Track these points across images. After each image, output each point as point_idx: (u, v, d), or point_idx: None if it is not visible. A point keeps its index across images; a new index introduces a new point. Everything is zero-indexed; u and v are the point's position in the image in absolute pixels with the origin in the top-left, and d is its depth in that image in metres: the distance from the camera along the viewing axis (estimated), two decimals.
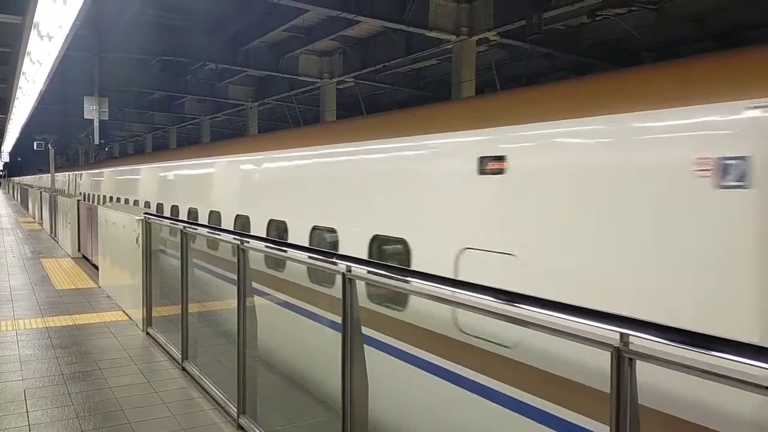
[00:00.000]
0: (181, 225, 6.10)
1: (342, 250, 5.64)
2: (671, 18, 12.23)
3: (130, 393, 5.24)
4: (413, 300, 4.63)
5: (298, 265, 5.81)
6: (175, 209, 11.17)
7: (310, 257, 4.10)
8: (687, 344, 1.78)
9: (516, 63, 16.04)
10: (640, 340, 1.90)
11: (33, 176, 55.62)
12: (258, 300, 4.83)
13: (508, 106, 4.59)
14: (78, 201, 15.28)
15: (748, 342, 1.69)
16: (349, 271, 3.27)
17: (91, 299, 9.24)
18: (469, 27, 12.17)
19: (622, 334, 1.91)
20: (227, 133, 31.55)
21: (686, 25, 12.51)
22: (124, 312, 8.27)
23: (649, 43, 13.28)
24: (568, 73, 15.33)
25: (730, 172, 2.81)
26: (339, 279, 3.33)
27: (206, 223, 8.78)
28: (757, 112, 2.78)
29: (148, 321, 7.20)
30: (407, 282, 3.12)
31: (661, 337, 1.84)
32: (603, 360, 1.94)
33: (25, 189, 39.71)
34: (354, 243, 5.49)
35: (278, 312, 6.74)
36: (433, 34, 12.14)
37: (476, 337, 4.01)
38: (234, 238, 4.75)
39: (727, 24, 11.97)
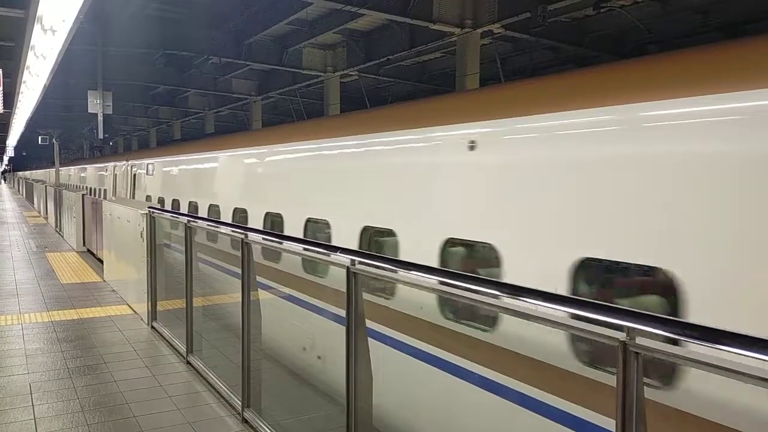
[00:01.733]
0: (184, 219, 6.10)
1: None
2: (676, 9, 12.14)
3: (135, 387, 5.26)
4: None
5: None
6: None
7: (308, 249, 4.09)
8: (694, 338, 1.77)
9: (520, 55, 15.96)
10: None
11: (43, 170, 53.09)
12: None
13: None
14: (83, 195, 15.27)
15: (755, 335, 1.67)
16: (354, 264, 3.26)
17: (96, 293, 9.27)
18: (473, 19, 12.10)
19: (628, 329, 1.89)
20: (232, 127, 31.52)
21: (692, 16, 12.41)
22: (129, 306, 8.29)
23: (654, 35, 13.19)
24: (573, 66, 15.25)
25: None
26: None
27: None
28: None
29: (153, 315, 7.22)
30: (411, 275, 3.10)
31: (668, 331, 1.82)
32: None
33: (30, 184, 39.71)
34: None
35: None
36: (437, 26, 12.07)
37: None
38: (237, 232, 4.74)
39: (733, 15, 11.88)
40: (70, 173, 31.59)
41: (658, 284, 3.21)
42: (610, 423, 3.20)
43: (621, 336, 1.90)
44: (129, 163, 16.77)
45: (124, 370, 5.71)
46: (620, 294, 3.58)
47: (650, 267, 3.21)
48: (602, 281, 3.64)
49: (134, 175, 15.92)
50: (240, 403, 4.56)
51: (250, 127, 23.36)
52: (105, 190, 19.58)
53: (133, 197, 15.41)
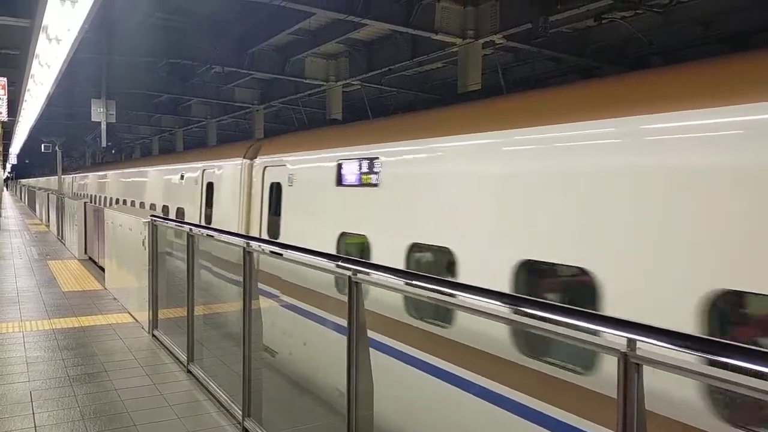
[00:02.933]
0: (186, 227, 6.12)
1: None
2: (678, 21, 12.18)
3: (135, 395, 5.25)
4: None
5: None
6: None
7: (313, 260, 4.09)
8: (695, 350, 1.77)
9: (522, 66, 16.02)
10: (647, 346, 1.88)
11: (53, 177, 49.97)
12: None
13: None
14: (85, 203, 15.25)
15: (756, 348, 1.67)
16: (355, 274, 3.27)
17: (97, 301, 9.27)
18: (475, 30, 12.15)
19: (629, 339, 1.89)
20: (235, 135, 31.61)
21: (694, 27, 12.45)
22: (130, 314, 8.29)
23: (656, 46, 13.23)
24: (575, 77, 15.29)
25: None
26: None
27: None
28: None
29: (154, 323, 7.21)
30: (413, 286, 3.10)
31: (669, 343, 1.82)
32: None
33: (32, 192, 39.73)
34: None
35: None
36: (439, 37, 12.12)
37: None
38: (239, 241, 4.76)
39: (735, 27, 11.91)
40: (92, 181, 24.13)
41: None
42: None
43: (622, 347, 1.90)
44: (256, 161, 8.54)
45: (124, 378, 5.70)
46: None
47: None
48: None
49: (275, 185, 7.92)
50: (240, 412, 4.56)
51: (253, 135, 23.33)
52: (181, 211, 11.53)
53: (276, 237, 7.72)
